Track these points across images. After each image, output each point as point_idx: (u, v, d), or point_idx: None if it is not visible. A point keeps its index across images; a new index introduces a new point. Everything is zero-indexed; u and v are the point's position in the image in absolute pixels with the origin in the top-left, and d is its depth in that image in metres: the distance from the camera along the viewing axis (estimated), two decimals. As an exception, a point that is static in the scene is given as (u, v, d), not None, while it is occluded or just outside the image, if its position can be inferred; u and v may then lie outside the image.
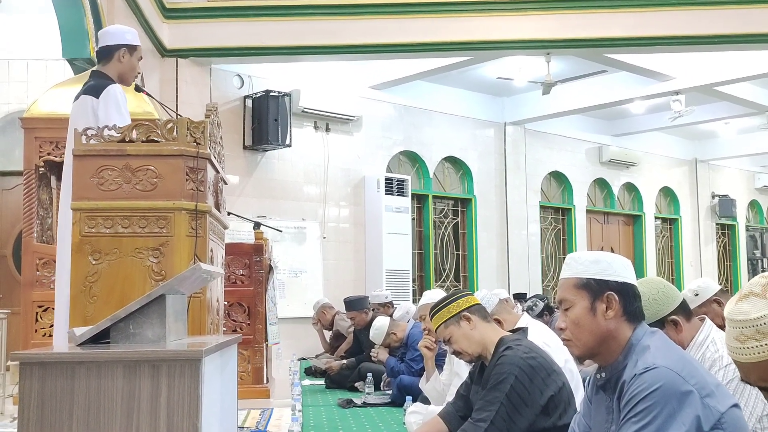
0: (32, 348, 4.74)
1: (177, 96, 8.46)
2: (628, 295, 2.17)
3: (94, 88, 3.93)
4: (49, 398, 2.28)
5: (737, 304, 1.41)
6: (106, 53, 4.06)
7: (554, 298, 9.35)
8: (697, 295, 3.75)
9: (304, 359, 9.38)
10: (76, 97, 4.03)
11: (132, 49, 4.09)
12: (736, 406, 2.01)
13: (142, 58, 4.18)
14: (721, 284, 15.18)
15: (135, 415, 2.29)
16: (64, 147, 4.11)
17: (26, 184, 5.79)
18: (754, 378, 1.41)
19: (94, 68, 4.23)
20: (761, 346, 1.36)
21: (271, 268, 6.23)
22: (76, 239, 3.27)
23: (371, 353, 7.02)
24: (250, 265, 5.95)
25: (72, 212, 3.30)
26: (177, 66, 8.50)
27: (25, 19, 8.09)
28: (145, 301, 2.59)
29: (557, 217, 13.97)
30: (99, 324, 2.60)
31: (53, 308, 5.42)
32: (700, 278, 4.12)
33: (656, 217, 15.61)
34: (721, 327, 2.85)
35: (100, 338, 2.60)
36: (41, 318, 5.54)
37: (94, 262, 3.24)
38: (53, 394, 2.28)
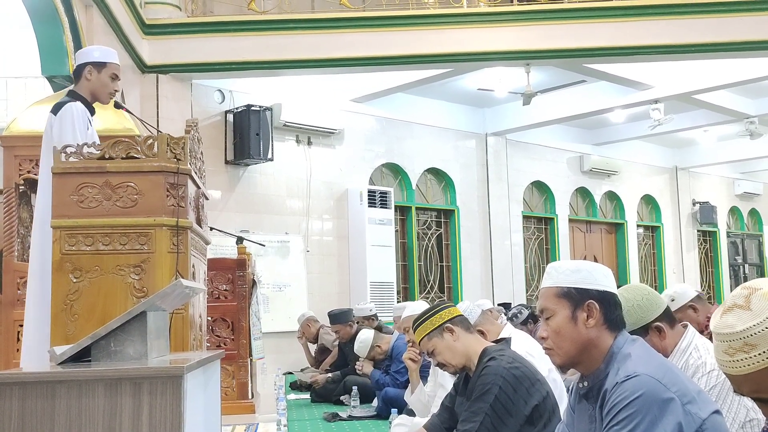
0: (14, 368, 4.69)
1: (158, 112, 8.43)
2: (608, 303, 2.18)
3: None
4: (29, 418, 2.25)
5: (722, 318, 1.40)
6: (76, 73, 4.13)
7: (538, 307, 9.35)
8: (673, 300, 3.80)
9: (289, 373, 9.34)
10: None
11: (100, 66, 4.04)
12: (717, 412, 2.02)
13: (116, 75, 4.11)
14: (703, 291, 15.28)
15: (117, 434, 2.27)
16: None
17: (6, 203, 5.74)
18: (746, 390, 1.39)
19: (70, 88, 4.26)
20: (750, 358, 1.35)
21: (254, 282, 6.20)
22: (56, 257, 3.25)
23: (356, 366, 7.01)
24: (234, 280, 5.91)
25: (52, 230, 3.29)
26: (157, 82, 8.47)
27: (3, 36, 8.04)
28: (126, 318, 2.57)
29: (540, 226, 14.01)
30: (79, 342, 2.58)
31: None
32: (676, 284, 4.18)
33: (638, 225, 15.68)
34: (698, 332, 2.88)
35: (81, 356, 2.58)
36: (23, 337, 5.48)
37: (74, 280, 3.23)
38: (33, 413, 2.26)
